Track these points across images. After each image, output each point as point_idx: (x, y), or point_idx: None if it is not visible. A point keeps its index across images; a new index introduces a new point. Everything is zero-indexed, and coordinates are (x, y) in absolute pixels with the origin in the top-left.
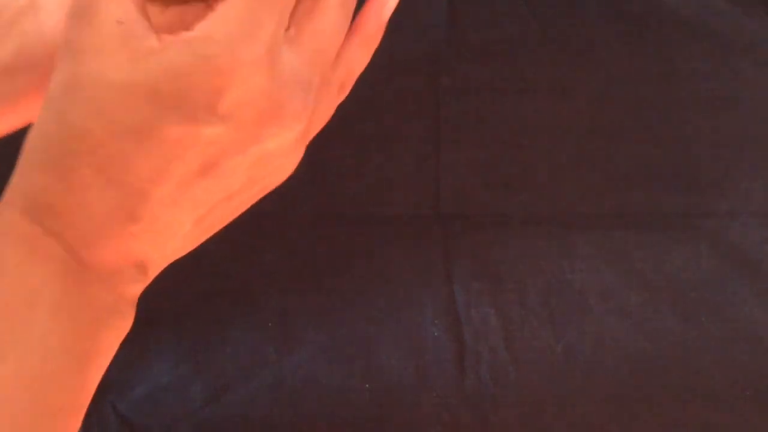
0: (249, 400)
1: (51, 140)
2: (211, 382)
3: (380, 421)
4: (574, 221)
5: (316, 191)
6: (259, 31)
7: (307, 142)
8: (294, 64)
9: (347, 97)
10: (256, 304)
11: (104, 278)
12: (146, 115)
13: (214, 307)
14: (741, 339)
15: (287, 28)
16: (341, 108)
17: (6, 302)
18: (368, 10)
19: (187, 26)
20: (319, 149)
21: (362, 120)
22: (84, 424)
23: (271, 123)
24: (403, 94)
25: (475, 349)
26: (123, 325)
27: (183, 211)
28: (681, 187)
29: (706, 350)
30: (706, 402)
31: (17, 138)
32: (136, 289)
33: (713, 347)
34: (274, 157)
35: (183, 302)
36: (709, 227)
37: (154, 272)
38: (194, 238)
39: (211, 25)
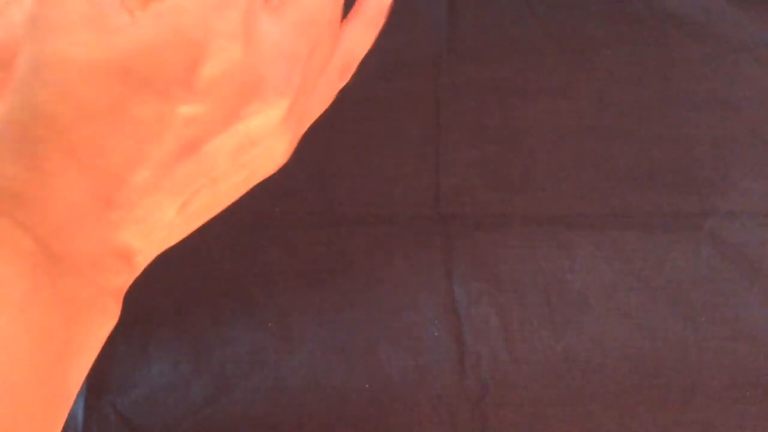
0: (249, 400)
1: (17, 126)
2: (211, 382)
3: (380, 421)
4: (574, 221)
5: (316, 191)
6: (234, 0)
7: (298, 124)
8: (275, 34)
9: (347, 97)
10: (256, 304)
11: (81, 271)
12: (117, 95)
13: (214, 307)
14: (741, 339)
15: None
16: (341, 108)
17: None
18: None
19: None
20: (319, 149)
21: (362, 120)
22: (84, 424)
23: (252, 98)
24: (403, 94)
25: (475, 349)
26: (105, 320)
27: (164, 197)
28: (681, 187)
29: (706, 350)
30: (706, 402)
31: None
32: (121, 281)
33: (713, 347)
34: (259, 137)
35: (183, 302)
36: (709, 227)
37: (141, 263)
38: (181, 227)
39: None
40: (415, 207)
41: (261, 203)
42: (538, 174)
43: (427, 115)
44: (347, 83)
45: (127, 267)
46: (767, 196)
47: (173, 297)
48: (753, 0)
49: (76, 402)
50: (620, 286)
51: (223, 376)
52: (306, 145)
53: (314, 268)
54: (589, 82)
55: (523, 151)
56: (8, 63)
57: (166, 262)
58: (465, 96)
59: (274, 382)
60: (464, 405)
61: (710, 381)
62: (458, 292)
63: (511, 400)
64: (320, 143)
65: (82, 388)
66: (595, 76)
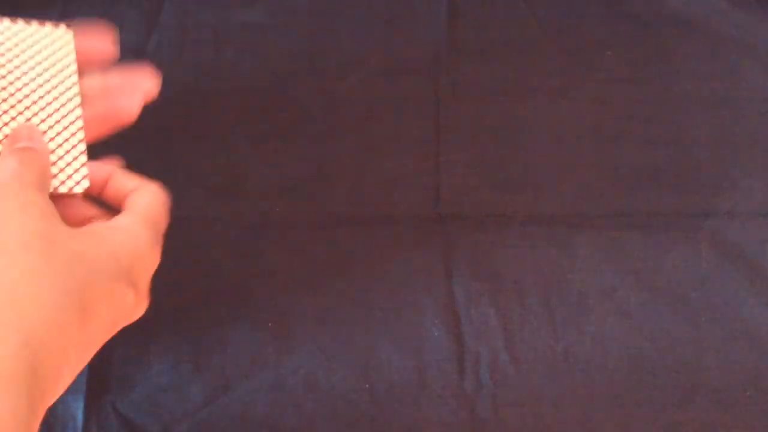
0: (249, 400)
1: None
2: (211, 382)
3: (380, 421)
4: (574, 221)
5: (317, 191)
6: None
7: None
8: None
9: (347, 97)
10: (256, 304)
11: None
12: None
13: (214, 307)
14: (741, 339)
15: None
16: (341, 108)
17: None
18: None
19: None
20: (319, 149)
21: (362, 120)
22: (84, 424)
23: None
24: (403, 94)
25: (475, 349)
26: None
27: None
28: (681, 187)
29: (706, 350)
30: (706, 402)
31: None
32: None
33: (713, 347)
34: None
35: (183, 302)
36: (709, 227)
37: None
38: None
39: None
40: (415, 207)
41: (261, 203)
42: (538, 174)
43: (427, 115)
44: (348, 82)
45: None
46: (767, 196)
47: (173, 297)
48: (753, 0)
49: (76, 402)
50: (620, 286)
51: (223, 376)
52: (306, 146)
53: (314, 268)
54: (589, 82)
55: (523, 151)
56: None
57: (166, 262)
58: (465, 96)
59: (274, 382)
60: (464, 405)
61: (710, 381)
62: (458, 292)
63: (511, 400)
64: (320, 143)
65: (82, 387)
66: (595, 76)
